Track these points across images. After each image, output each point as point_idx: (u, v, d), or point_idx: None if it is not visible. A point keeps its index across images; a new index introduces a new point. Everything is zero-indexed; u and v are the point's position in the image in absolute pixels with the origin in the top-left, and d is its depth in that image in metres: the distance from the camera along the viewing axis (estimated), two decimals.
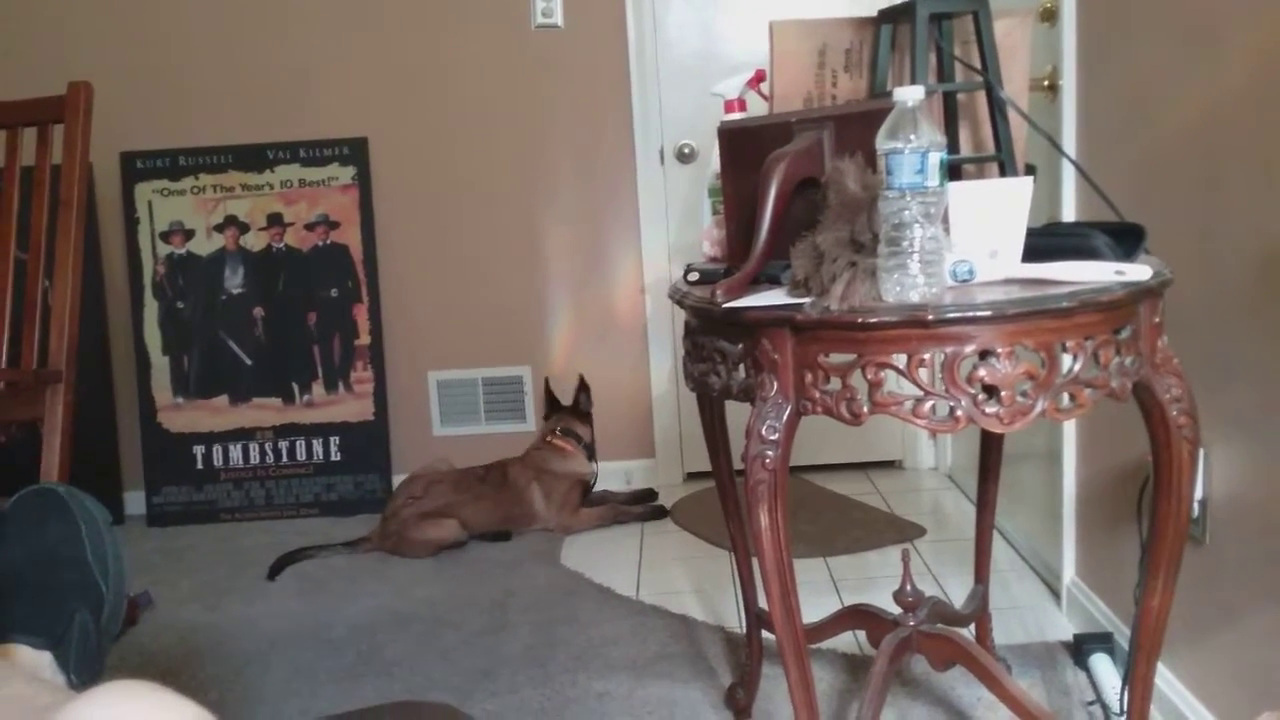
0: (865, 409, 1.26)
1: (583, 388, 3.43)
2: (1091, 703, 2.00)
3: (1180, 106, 1.78)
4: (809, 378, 1.29)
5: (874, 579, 2.68)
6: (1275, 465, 1.55)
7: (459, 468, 3.32)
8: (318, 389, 3.56)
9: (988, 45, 1.52)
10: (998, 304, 1.20)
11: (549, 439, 3.37)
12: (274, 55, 3.52)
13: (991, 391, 1.22)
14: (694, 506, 3.37)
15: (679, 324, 1.78)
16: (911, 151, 1.19)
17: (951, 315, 1.20)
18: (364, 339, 3.55)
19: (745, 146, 1.48)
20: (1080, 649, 2.12)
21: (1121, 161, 1.99)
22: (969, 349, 1.21)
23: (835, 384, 1.28)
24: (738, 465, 1.47)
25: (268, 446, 3.56)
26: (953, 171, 1.42)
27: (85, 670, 1.02)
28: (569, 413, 3.40)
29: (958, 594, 2.49)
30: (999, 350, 1.21)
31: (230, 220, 3.54)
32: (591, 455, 3.40)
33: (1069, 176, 2.16)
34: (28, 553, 1.08)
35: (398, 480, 3.49)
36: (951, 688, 2.06)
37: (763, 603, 1.49)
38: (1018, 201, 1.32)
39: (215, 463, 3.55)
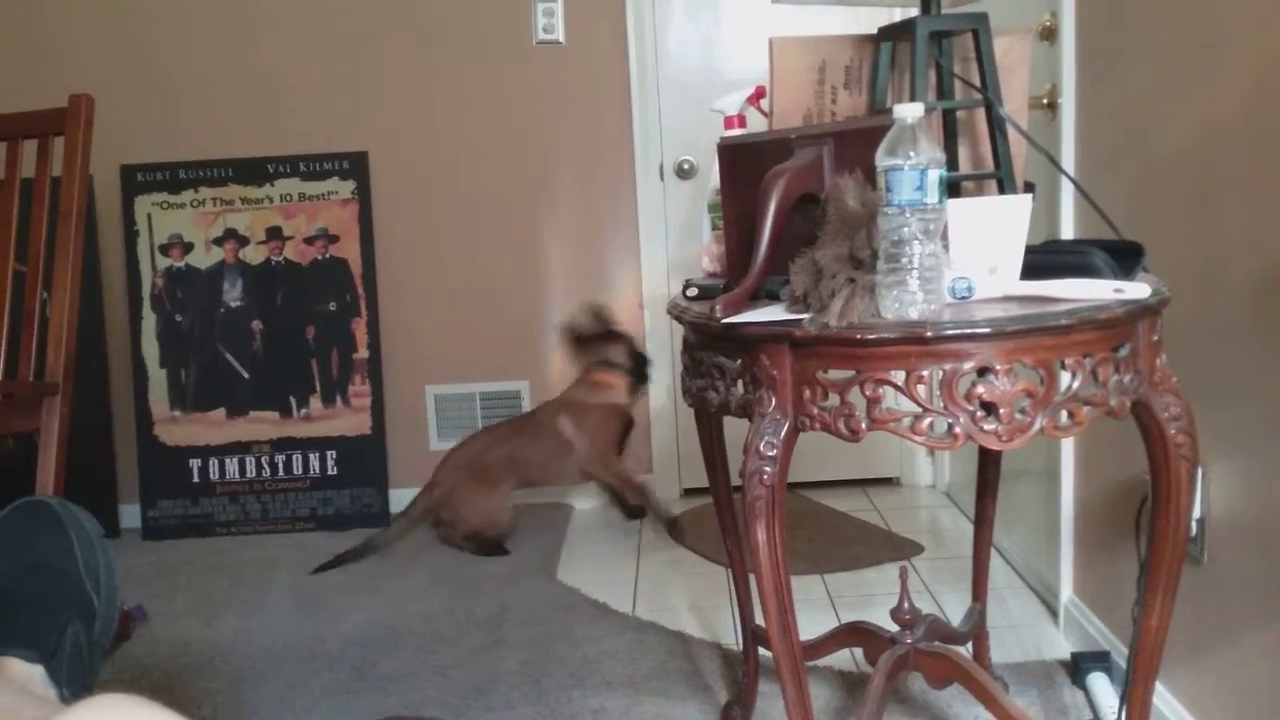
0: (863, 425, 1.26)
1: (593, 311, 3.27)
2: None
3: (1179, 125, 1.79)
4: (807, 394, 1.29)
5: (871, 596, 2.67)
6: (1273, 484, 1.55)
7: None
8: (315, 403, 3.55)
9: (987, 63, 1.53)
10: (996, 321, 1.20)
11: (587, 375, 3.27)
12: (275, 69, 3.53)
13: (990, 409, 1.21)
14: (691, 522, 3.36)
15: (677, 339, 1.78)
16: (911, 168, 1.19)
17: (950, 332, 1.19)
18: (362, 353, 3.55)
19: (745, 162, 1.48)
20: (1078, 668, 2.11)
21: (1120, 179, 1.99)
22: (968, 366, 1.21)
23: (834, 400, 1.28)
24: (735, 481, 1.46)
25: (264, 460, 3.55)
26: (952, 188, 1.42)
27: (77, 683, 1.02)
28: (596, 340, 3.24)
29: (955, 612, 2.48)
30: (998, 367, 1.21)
31: (230, 233, 3.54)
32: (641, 375, 3.25)
33: (1068, 194, 2.17)
34: (19, 565, 1.07)
35: (394, 495, 3.49)
36: (949, 705, 2.05)
37: (759, 619, 1.49)
38: (1017, 219, 1.32)
39: (211, 476, 3.54)
